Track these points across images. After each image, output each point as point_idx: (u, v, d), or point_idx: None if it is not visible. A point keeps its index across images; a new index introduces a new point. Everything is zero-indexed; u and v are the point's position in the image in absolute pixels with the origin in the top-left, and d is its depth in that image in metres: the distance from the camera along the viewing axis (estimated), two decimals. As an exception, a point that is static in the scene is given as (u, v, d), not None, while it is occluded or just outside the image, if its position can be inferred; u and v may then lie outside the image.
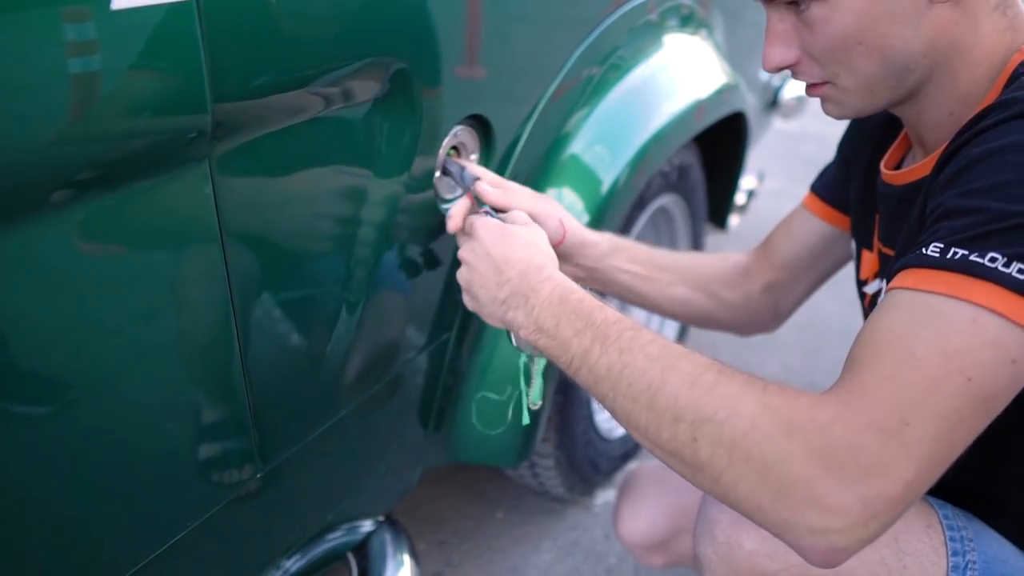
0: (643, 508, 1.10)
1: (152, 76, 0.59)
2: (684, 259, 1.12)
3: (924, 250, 0.62)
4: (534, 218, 0.89)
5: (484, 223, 0.83)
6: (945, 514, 0.79)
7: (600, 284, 1.02)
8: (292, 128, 0.74)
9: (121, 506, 0.72)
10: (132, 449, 0.71)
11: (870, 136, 0.95)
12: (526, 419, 0.91)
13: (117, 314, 0.65)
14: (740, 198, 2.10)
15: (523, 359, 0.88)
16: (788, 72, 0.79)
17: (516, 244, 0.80)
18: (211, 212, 0.68)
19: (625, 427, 0.68)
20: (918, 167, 0.79)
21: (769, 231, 1.14)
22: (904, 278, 0.63)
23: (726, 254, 1.16)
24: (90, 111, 0.56)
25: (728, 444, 0.60)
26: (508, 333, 0.84)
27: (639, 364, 0.65)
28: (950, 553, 0.76)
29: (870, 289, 0.93)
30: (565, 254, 0.95)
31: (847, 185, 1.00)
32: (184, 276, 0.69)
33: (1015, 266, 0.58)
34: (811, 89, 0.77)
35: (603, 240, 1.00)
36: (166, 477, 0.75)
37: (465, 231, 0.86)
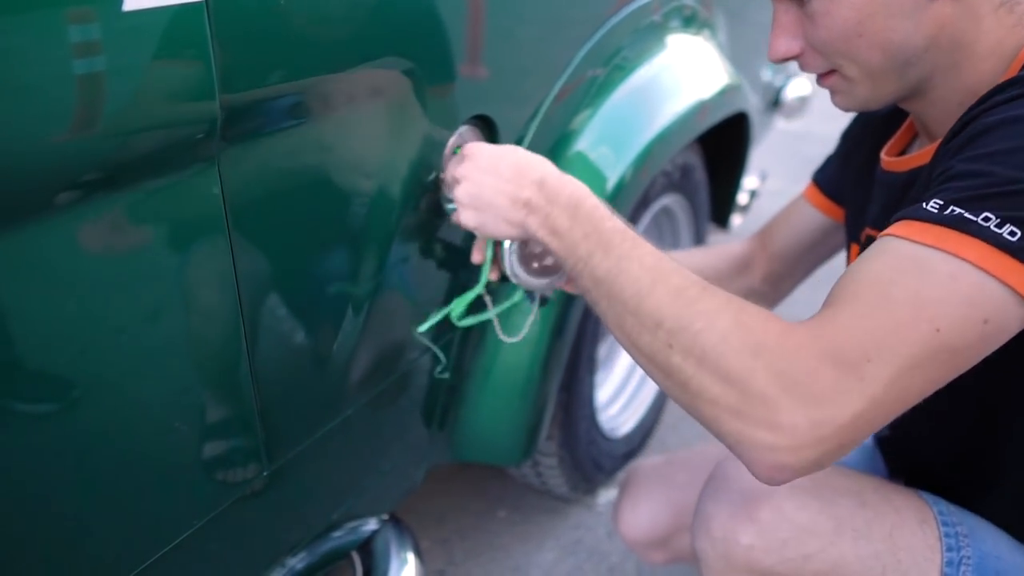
0: (644, 505, 1.11)
1: (162, 77, 0.59)
2: (687, 258, 1.13)
3: (924, 204, 0.63)
4: None
5: (481, 143, 0.87)
6: (940, 510, 0.80)
7: None
8: (299, 128, 0.74)
9: (128, 504, 0.72)
10: (140, 448, 0.71)
11: (872, 129, 0.97)
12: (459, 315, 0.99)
13: (126, 314, 0.65)
14: (742, 198, 2.10)
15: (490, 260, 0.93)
16: (789, 73, 0.80)
17: (525, 154, 0.83)
18: (219, 212, 0.68)
19: (611, 331, 0.72)
20: (922, 152, 0.80)
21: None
22: (897, 227, 0.64)
23: (724, 246, 1.17)
24: (101, 112, 0.56)
25: (698, 353, 0.63)
26: (493, 255, 0.91)
27: (633, 272, 0.69)
28: (944, 548, 0.78)
29: None
30: None
31: (846, 177, 1.02)
32: (192, 276, 0.70)
33: (1007, 227, 0.59)
34: (821, 80, 0.79)
35: None
36: (173, 475, 0.75)
37: (456, 157, 0.89)
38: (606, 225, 0.74)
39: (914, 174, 0.81)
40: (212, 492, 0.80)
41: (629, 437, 1.74)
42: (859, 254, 0.93)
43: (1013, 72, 0.72)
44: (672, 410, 2.00)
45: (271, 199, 0.74)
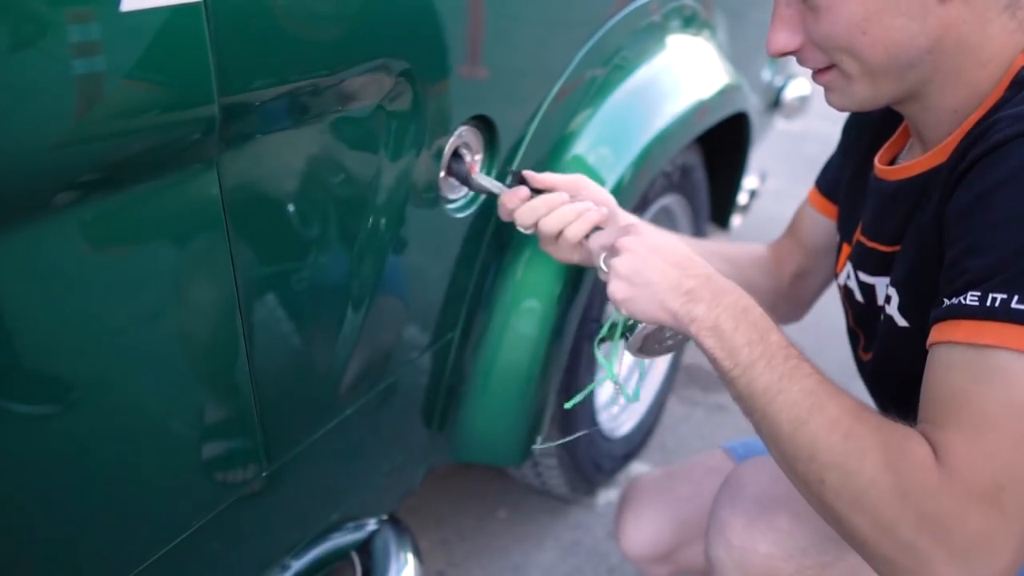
0: (647, 520, 1.10)
1: (160, 77, 0.59)
2: (726, 247, 1.12)
3: (963, 300, 0.63)
4: (577, 188, 0.93)
5: (643, 224, 0.85)
6: None
7: None
8: (298, 129, 0.74)
9: (128, 505, 0.72)
10: (140, 449, 0.71)
11: (867, 131, 0.96)
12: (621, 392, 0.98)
13: (126, 316, 0.65)
14: (742, 198, 2.10)
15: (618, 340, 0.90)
16: (790, 73, 0.79)
17: (688, 248, 0.81)
18: (218, 213, 0.68)
19: (763, 440, 0.71)
20: (913, 164, 0.79)
21: (771, 230, 1.14)
22: (951, 331, 0.64)
23: (755, 245, 1.15)
24: (99, 112, 0.56)
25: (849, 496, 0.63)
26: (623, 333, 0.87)
27: (792, 395, 0.68)
28: None
29: (841, 280, 0.95)
30: None
31: (843, 177, 1.01)
32: (192, 277, 0.70)
33: None
34: (817, 75, 0.78)
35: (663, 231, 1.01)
36: (173, 476, 0.75)
37: (616, 229, 0.86)
38: (772, 337, 0.72)
39: (905, 184, 0.80)
40: (211, 493, 0.80)
41: (628, 438, 1.74)
42: (849, 257, 0.92)
43: (1008, 79, 0.71)
44: (671, 411, 2.00)
45: (270, 200, 0.74)
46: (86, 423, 0.65)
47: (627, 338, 0.88)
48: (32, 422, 0.62)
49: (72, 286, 0.61)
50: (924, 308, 0.70)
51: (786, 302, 1.12)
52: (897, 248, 0.82)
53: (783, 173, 3.29)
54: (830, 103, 0.78)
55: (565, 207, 0.89)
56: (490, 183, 0.95)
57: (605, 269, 0.82)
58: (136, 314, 0.66)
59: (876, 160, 0.88)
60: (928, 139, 0.79)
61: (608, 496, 1.73)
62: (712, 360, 0.74)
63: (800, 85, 2.43)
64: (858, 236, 0.90)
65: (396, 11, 0.79)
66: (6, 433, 0.60)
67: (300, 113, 0.73)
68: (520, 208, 0.90)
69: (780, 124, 2.67)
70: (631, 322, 0.88)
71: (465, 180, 0.95)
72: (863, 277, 0.89)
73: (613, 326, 0.90)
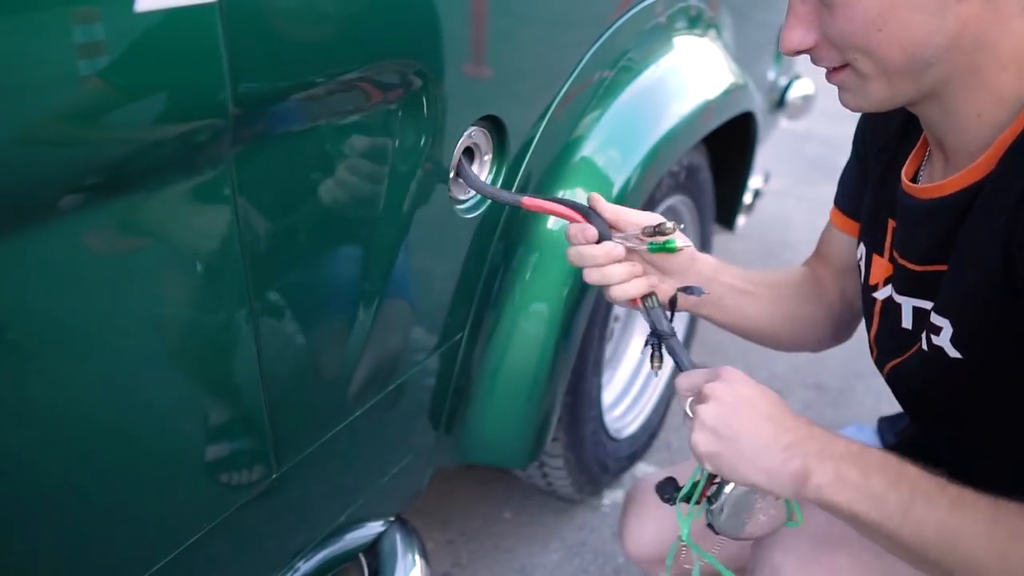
0: (651, 523, 1.08)
1: (174, 78, 0.59)
2: (771, 275, 1.07)
3: None
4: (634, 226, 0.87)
5: (732, 371, 0.75)
6: None
7: (706, 302, 0.97)
8: (310, 130, 0.74)
9: (138, 509, 0.72)
10: (150, 452, 0.71)
11: (886, 144, 0.93)
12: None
13: (137, 317, 0.65)
14: (747, 198, 2.09)
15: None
16: (795, 73, 0.77)
17: (778, 400, 0.73)
18: (231, 214, 0.68)
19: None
20: (948, 182, 0.76)
21: (774, 230, 1.12)
22: None
23: (787, 271, 1.10)
24: (113, 112, 0.56)
25: None
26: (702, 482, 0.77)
27: (978, 526, 0.63)
28: None
29: (880, 295, 0.91)
30: (680, 269, 0.92)
31: (863, 193, 0.97)
32: (204, 278, 0.69)
33: None
34: (831, 75, 0.75)
35: (708, 256, 0.97)
36: (183, 480, 0.75)
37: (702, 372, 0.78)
38: (909, 471, 0.66)
39: (939, 203, 0.77)
40: (221, 496, 0.79)
41: (634, 438, 1.74)
42: (887, 270, 0.88)
43: None
44: (676, 412, 1.99)
45: (282, 201, 0.74)
46: (96, 427, 0.65)
47: (710, 500, 0.77)
48: (42, 425, 0.61)
49: (83, 287, 0.60)
50: (985, 340, 0.67)
51: (838, 326, 1.06)
52: (931, 269, 0.78)
53: (786, 173, 3.28)
54: (844, 103, 0.76)
55: (616, 267, 0.84)
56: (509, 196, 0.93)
57: (691, 415, 0.74)
58: (147, 316, 0.66)
59: (904, 176, 0.85)
60: (951, 147, 0.77)
61: (613, 497, 1.73)
62: (852, 518, 0.67)
63: (804, 85, 2.43)
64: (895, 254, 0.86)
65: (407, 12, 0.79)
66: (15, 436, 0.60)
67: (312, 114, 0.73)
68: (576, 250, 0.85)
69: (784, 124, 2.67)
70: (717, 480, 0.76)
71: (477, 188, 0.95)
72: (895, 296, 0.86)
73: (695, 484, 0.78)
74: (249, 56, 0.63)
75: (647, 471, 1.80)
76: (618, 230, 0.86)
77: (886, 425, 1.09)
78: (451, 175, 0.93)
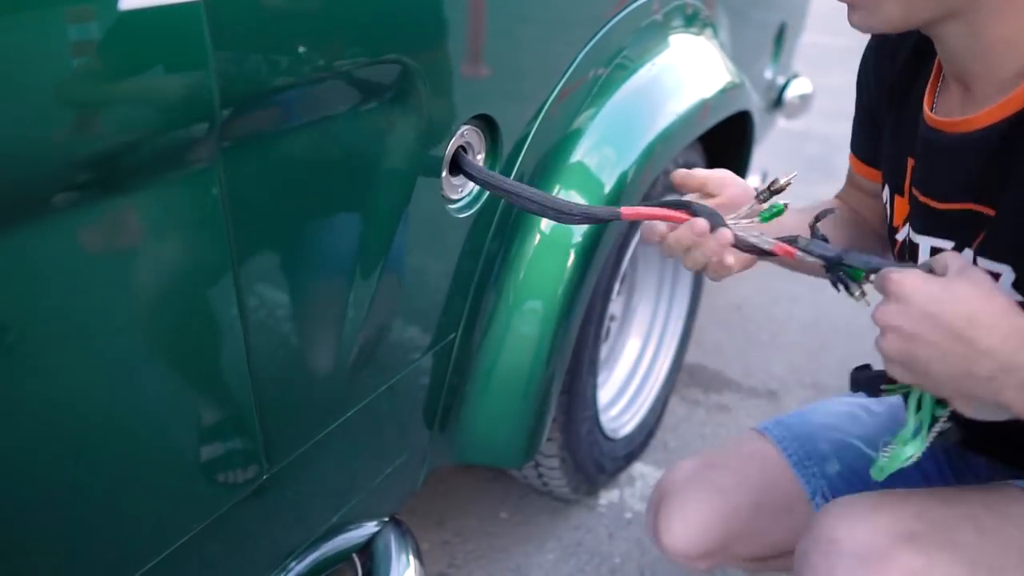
0: (693, 513, 1.02)
1: (160, 76, 0.58)
2: (823, 204, 1.04)
3: None
4: (723, 185, 0.85)
5: (913, 277, 0.63)
6: None
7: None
8: (299, 129, 0.73)
9: (127, 509, 0.71)
10: (139, 451, 0.70)
11: (896, 81, 0.87)
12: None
13: (125, 317, 0.65)
14: (744, 198, 2.09)
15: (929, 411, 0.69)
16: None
17: (974, 297, 0.61)
18: (219, 213, 0.68)
19: None
20: (981, 115, 0.70)
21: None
22: None
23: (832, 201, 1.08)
24: (97, 112, 0.56)
25: None
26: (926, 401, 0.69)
27: None
28: None
29: (900, 236, 0.87)
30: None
31: (878, 136, 0.93)
32: (192, 278, 0.69)
33: None
34: None
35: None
36: (173, 480, 0.75)
37: (881, 288, 0.66)
38: None
39: (969, 138, 0.72)
40: (212, 496, 0.79)
41: (630, 438, 1.74)
42: (906, 208, 0.83)
43: None
44: (672, 411, 1.99)
45: (271, 200, 0.74)
46: (86, 426, 0.65)
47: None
48: (31, 425, 0.61)
49: (71, 287, 0.60)
50: None
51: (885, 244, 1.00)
52: (956, 207, 0.74)
53: (784, 172, 3.28)
54: (852, 23, 0.70)
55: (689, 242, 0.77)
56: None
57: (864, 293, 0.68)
58: (136, 316, 0.66)
59: (926, 107, 0.79)
60: (975, 77, 0.71)
61: (610, 497, 1.72)
62: None
63: (802, 84, 2.43)
64: (916, 192, 0.81)
65: (398, 10, 0.79)
66: (5, 436, 0.59)
67: (300, 113, 0.72)
68: (691, 257, 0.79)
69: (781, 123, 2.66)
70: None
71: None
72: (913, 235, 0.82)
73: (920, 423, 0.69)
74: (236, 55, 0.63)
75: (644, 471, 1.80)
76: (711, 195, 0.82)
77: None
78: (443, 174, 0.93)
